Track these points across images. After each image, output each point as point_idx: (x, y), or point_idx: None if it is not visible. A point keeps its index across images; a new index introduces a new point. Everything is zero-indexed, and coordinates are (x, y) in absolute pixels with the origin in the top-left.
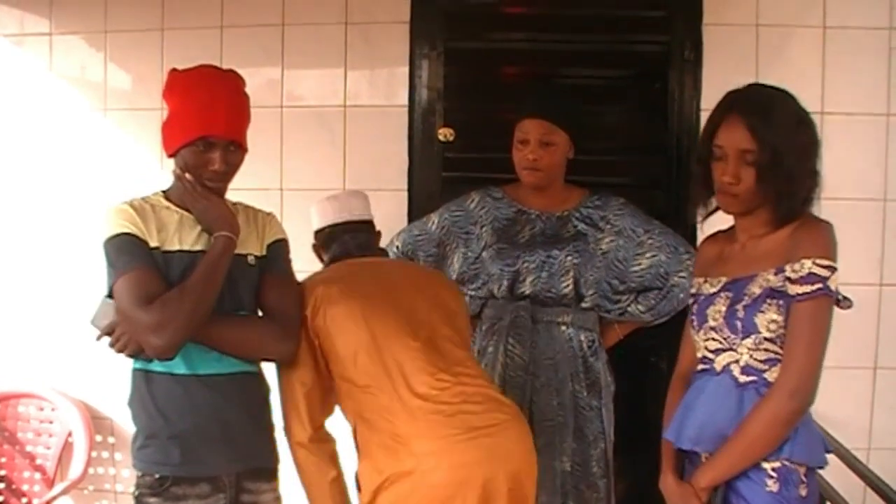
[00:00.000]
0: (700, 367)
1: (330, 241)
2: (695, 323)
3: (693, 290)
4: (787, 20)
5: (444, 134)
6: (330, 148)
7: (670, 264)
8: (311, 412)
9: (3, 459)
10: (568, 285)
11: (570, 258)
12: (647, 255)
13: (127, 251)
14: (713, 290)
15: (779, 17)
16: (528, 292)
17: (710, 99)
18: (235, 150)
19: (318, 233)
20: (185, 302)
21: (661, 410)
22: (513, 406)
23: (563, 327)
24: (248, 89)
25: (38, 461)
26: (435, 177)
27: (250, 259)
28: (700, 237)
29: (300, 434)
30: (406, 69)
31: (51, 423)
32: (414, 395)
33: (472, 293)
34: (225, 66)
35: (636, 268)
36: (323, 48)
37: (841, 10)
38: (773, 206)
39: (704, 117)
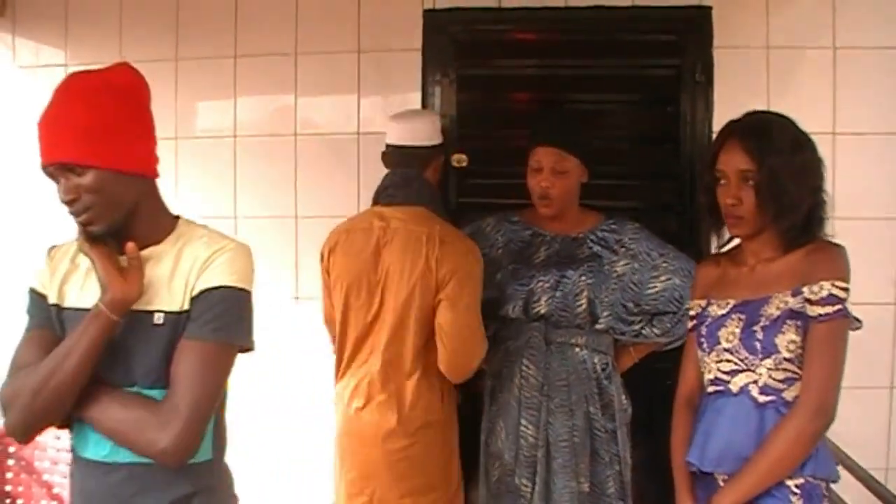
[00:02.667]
0: (712, 388)
1: None
2: (704, 345)
3: (693, 312)
4: (798, 42)
5: (458, 160)
6: (344, 175)
7: (685, 288)
8: None
9: (21, 489)
10: (582, 305)
11: (584, 278)
12: (662, 278)
13: (29, 309)
14: (722, 312)
15: (789, 40)
16: (542, 312)
17: (721, 122)
18: (83, 172)
19: None
20: (30, 377)
21: None
22: None
23: (577, 349)
24: (262, 117)
25: (56, 490)
26: (449, 202)
27: (157, 318)
28: None
29: None
30: (419, 96)
31: (68, 451)
32: None
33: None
34: (240, 96)
35: (651, 290)
36: (336, 76)
37: (850, 31)
38: (778, 227)
39: None
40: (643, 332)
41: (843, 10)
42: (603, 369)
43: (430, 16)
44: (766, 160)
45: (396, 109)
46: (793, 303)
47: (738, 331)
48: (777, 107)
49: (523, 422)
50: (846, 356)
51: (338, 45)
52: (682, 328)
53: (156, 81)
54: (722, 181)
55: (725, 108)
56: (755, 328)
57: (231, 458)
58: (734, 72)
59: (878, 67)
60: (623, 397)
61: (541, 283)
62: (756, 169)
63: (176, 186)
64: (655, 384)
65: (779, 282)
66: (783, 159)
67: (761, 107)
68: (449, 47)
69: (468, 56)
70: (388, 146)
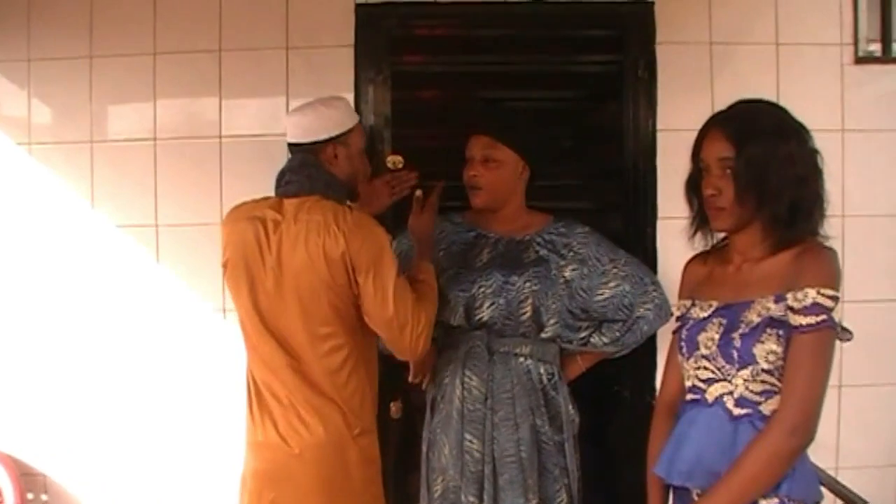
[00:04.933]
0: (689, 396)
1: None
2: (684, 350)
3: (678, 313)
4: (740, 37)
5: (393, 161)
6: (273, 179)
7: (635, 295)
8: None
9: None
10: (527, 312)
11: (529, 284)
12: (611, 284)
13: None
14: (704, 314)
15: (732, 35)
16: (485, 319)
17: (665, 118)
18: None
19: None
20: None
21: (624, 442)
22: None
23: (522, 359)
24: (184, 119)
25: None
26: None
27: None
28: (661, 262)
29: None
30: (351, 95)
31: None
32: None
33: None
34: (159, 96)
35: (599, 297)
36: (263, 74)
37: (793, 27)
38: (762, 220)
39: (661, 137)
40: (591, 340)
41: (785, 5)
42: (549, 379)
43: (363, 10)
44: (744, 146)
45: None
46: (774, 310)
47: (716, 336)
48: (720, 103)
49: (467, 436)
50: (830, 370)
51: (265, 42)
52: (631, 337)
53: (68, 81)
54: (704, 171)
55: (669, 105)
56: (733, 335)
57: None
58: (677, 67)
59: (820, 63)
60: (570, 407)
61: (483, 289)
62: (734, 155)
63: (91, 193)
64: (601, 390)
65: (763, 285)
66: (763, 145)
67: (705, 103)
68: (383, 43)
69: (403, 52)
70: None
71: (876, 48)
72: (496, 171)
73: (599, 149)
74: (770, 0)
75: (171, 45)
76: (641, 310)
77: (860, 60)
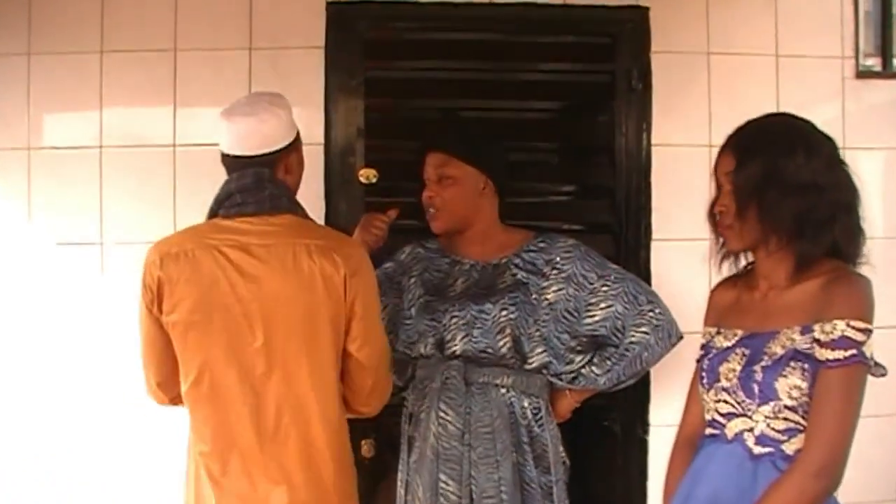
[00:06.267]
0: (709, 430)
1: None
2: (704, 381)
3: (703, 340)
4: (739, 48)
5: (366, 175)
6: None
7: (628, 317)
8: None
9: None
10: (506, 344)
11: (505, 313)
12: (602, 305)
13: None
14: (727, 343)
15: (729, 45)
16: (458, 352)
17: (660, 133)
18: None
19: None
20: None
21: (615, 482)
22: None
23: (503, 391)
24: (134, 125)
25: None
26: (356, 224)
27: None
28: (655, 288)
29: None
30: (321, 101)
31: None
32: None
33: (403, 350)
34: (106, 99)
35: (589, 320)
36: (223, 78)
37: (793, 38)
38: (778, 238)
39: (655, 153)
40: (582, 372)
41: (785, 15)
42: (534, 414)
43: (335, 9)
44: (744, 159)
45: (294, 117)
46: (800, 342)
47: (738, 368)
48: (718, 116)
49: (443, 476)
50: (860, 409)
51: (226, 41)
52: (628, 368)
53: (2, 81)
54: (718, 191)
55: (664, 118)
56: (755, 367)
57: None
58: (673, 78)
59: (821, 77)
60: (560, 448)
61: (455, 320)
62: (735, 167)
63: (28, 206)
64: (589, 424)
65: (789, 314)
66: (762, 157)
67: (702, 116)
68: (356, 46)
69: (378, 56)
70: (222, 155)
71: (874, 62)
72: (452, 188)
73: (589, 165)
74: (770, 10)
75: (120, 42)
76: (636, 334)
77: (861, 75)
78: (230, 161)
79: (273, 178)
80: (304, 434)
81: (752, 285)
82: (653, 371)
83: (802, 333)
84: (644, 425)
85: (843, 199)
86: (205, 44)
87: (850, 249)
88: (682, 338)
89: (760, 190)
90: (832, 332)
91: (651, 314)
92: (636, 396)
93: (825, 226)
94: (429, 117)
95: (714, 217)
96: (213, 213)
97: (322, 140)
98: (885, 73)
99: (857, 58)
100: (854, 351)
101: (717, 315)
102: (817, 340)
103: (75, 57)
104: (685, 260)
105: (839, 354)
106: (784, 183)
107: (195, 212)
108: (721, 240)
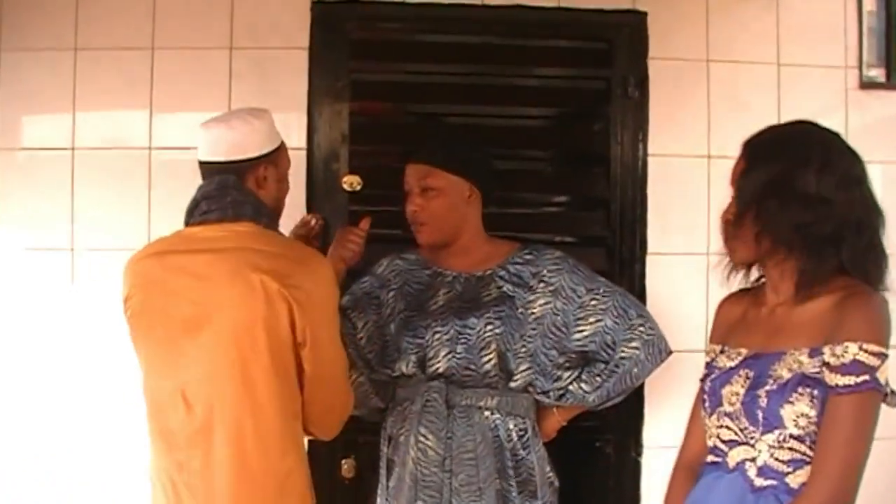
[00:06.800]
0: (710, 458)
1: None
2: (706, 404)
3: (707, 359)
4: (740, 56)
5: (350, 182)
6: None
7: (618, 331)
8: None
9: None
10: (491, 360)
11: (490, 328)
12: (591, 319)
13: None
14: (731, 364)
15: (730, 52)
16: (441, 370)
17: (657, 142)
18: None
19: None
20: None
21: None
22: None
23: (487, 413)
24: (108, 126)
25: None
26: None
27: None
28: (650, 303)
29: None
30: (304, 105)
31: None
32: None
33: (383, 370)
34: (80, 99)
35: (577, 335)
36: (202, 78)
37: (795, 47)
38: (774, 250)
39: (652, 163)
40: (570, 388)
41: (787, 22)
42: (520, 437)
43: (321, 9)
44: (755, 164)
45: (276, 120)
46: (808, 365)
47: (741, 392)
48: (717, 126)
49: None
50: (872, 439)
51: (206, 40)
52: (617, 384)
53: None
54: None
55: (661, 127)
56: (759, 392)
57: None
58: (671, 86)
59: (823, 87)
60: (548, 469)
61: (438, 335)
62: (741, 172)
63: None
64: (579, 445)
65: (797, 334)
66: (776, 165)
67: (700, 126)
68: (342, 47)
69: (365, 58)
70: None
71: (878, 73)
72: (437, 200)
73: (582, 175)
74: (771, 17)
75: (95, 39)
76: (627, 349)
77: (865, 85)
78: (202, 168)
79: (239, 185)
80: (238, 454)
81: (761, 300)
82: (647, 390)
83: (811, 356)
84: (637, 446)
85: (853, 218)
86: (184, 42)
87: (859, 271)
88: (671, 353)
89: (761, 196)
90: (843, 356)
91: (642, 328)
92: (629, 416)
93: (828, 243)
94: (412, 123)
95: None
96: (185, 223)
97: (304, 145)
98: (890, 85)
99: (860, 68)
100: (867, 377)
101: (722, 332)
102: (827, 364)
103: (48, 54)
104: (681, 275)
105: (850, 380)
106: (788, 192)
107: (171, 218)
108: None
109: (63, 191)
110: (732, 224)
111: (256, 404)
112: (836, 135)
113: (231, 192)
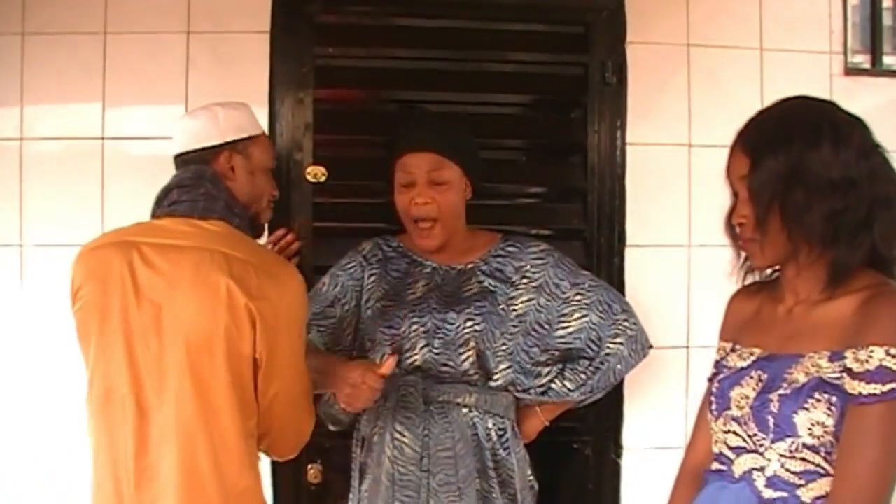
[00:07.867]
0: (716, 465)
1: None
2: (713, 406)
3: (716, 357)
4: (721, 40)
5: (314, 173)
6: None
7: (603, 327)
8: None
9: None
10: (469, 358)
11: (470, 324)
12: (576, 316)
13: None
14: (742, 364)
15: (711, 37)
16: (418, 363)
17: (636, 131)
18: None
19: None
20: None
21: None
22: None
23: (465, 410)
24: (58, 116)
25: None
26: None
27: None
28: (629, 297)
29: None
30: (265, 91)
31: None
32: None
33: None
34: (27, 83)
35: (562, 332)
36: (158, 65)
37: (779, 32)
38: (810, 246)
39: (630, 152)
40: (553, 386)
41: (770, 7)
42: (500, 436)
43: None
44: (759, 158)
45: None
46: (827, 370)
47: (752, 395)
48: (698, 113)
49: None
50: None
51: (161, 24)
52: (602, 380)
53: None
54: (734, 198)
55: (640, 115)
56: (771, 396)
57: None
58: (650, 72)
59: (807, 73)
60: (528, 471)
61: (415, 327)
62: (749, 167)
63: None
64: (556, 446)
65: (817, 336)
66: (781, 153)
67: (680, 113)
68: (306, 31)
69: (330, 43)
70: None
71: (863, 59)
72: (448, 193)
73: (559, 164)
74: (754, 0)
75: (44, 23)
76: (611, 345)
77: (850, 72)
78: (174, 163)
79: (215, 178)
80: (188, 468)
81: (777, 297)
82: (626, 389)
83: (831, 360)
84: (617, 447)
85: (881, 192)
86: (138, 26)
87: (892, 251)
88: (651, 347)
89: (782, 193)
90: (867, 361)
91: (626, 324)
92: (608, 417)
93: (863, 226)
94: (381, 111)
95: (733, 229)
96: (153, 213)
97: (266, 134)
98: (875, 71)
99: (845, 54)
100: (894, 384)
101: (733, 329)
102: (849, 370)
103: None
104: (662, 267)
105: (875, 388)
106: (810, 181)
107: (125, 211)
108: (743, 255)
109: (11, 183)
110: (754, 228)
111: (213, 417)
112: (832, 103)
113: (205, 185)
